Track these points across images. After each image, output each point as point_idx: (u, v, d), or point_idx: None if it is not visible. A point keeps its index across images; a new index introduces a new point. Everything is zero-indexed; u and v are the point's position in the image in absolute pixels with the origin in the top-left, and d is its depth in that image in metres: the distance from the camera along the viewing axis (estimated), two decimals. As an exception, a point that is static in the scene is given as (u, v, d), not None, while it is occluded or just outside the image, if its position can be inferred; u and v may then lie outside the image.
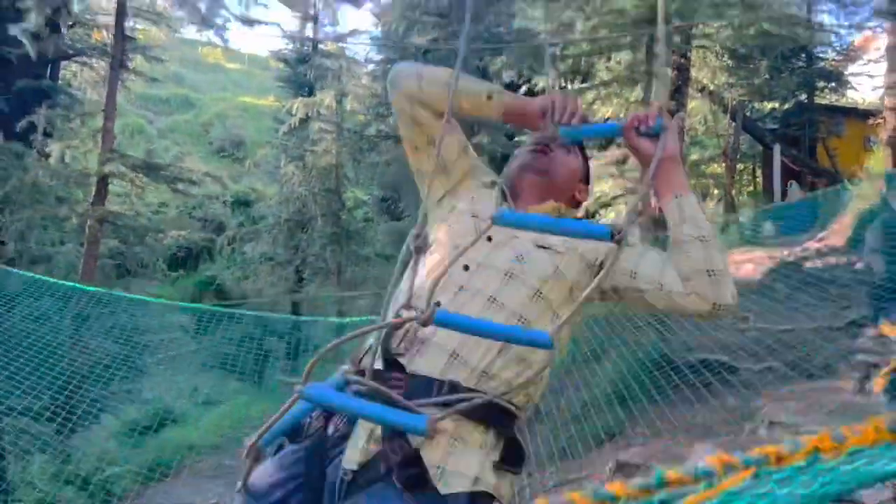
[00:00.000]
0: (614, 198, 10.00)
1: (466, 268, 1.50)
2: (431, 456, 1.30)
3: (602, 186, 9.83)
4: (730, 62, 11.28)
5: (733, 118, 13.67)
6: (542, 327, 1.43)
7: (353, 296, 13.41)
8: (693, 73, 10.17)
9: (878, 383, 4.61)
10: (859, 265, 7.24)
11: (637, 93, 8.69)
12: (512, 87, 11.58)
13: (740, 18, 8.21)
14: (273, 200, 15.40)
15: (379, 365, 1.38)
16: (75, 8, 10.03)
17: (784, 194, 15.84)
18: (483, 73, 12.20)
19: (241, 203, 20.80)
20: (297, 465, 1.39)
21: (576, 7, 8.06)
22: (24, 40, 6.84)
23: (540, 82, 10.19)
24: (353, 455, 1.32)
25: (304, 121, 14.72)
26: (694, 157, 15.72)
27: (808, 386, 5.21)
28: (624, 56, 9.08)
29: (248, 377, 9.48)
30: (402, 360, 1.38)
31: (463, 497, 1.30)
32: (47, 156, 7.52)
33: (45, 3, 7.37)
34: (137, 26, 10.60)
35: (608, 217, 10.30)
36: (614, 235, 1.19)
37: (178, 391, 9.19)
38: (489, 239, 1.54)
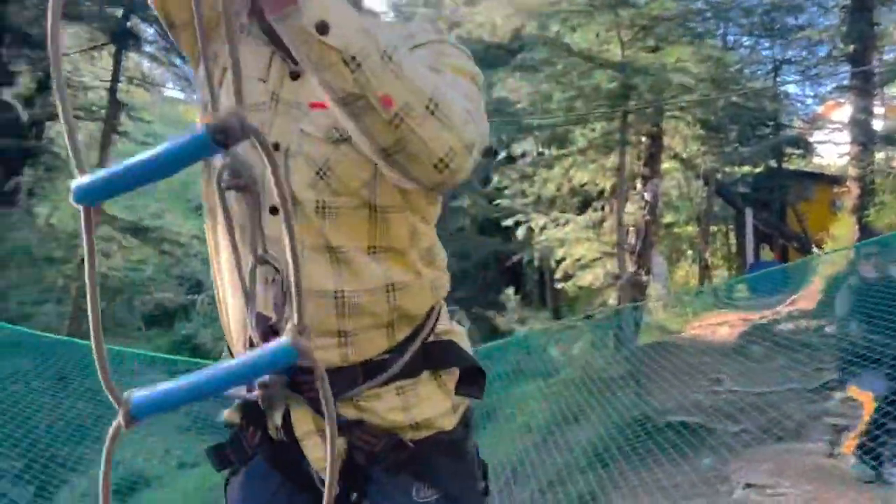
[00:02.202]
0: (592, 260, 10.22)
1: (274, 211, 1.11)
2: (400, 422, 1.22)
3: (579, 249, 10.05)
4: (701, 131, 11.73)
5: (706, 183, 14.10)
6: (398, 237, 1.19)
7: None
8: (666, 140, 10.56)
9: (846, 446, 4.76)
10: (829, 329, 7.45)
11: (612, 160, 9.02)
12: (491, 153, 11.90)
13: (710, 94, 8.61)
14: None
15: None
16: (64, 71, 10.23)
17: (757, 257, 16.24)
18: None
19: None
20: (270, 480, 1.28)
21: (554, 80, 8.40)
22: (16, 104, 6.99)
23: (519, 149, 10.52)
24: (318, 456, 1.20)
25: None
26: (668, 219, 16.11)
27: (782, 448, 5.33)
28: (600, 125, 9.43)
29: (224, 439, 9.36)
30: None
31: (446, 434, 1.25)
32: (33, 217, 7.65)
33: (37, 67, 7.55)
34: (125, 89, 10.88)
35: (585, 278, 10.48)
36: (217, 136, 0.42)
37: (150, 452, 9.03)
38: (276, 147, 1.13)
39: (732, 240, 18.72)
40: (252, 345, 1.16)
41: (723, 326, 9.10)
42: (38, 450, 5.66)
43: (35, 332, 6.25)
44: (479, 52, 14.04)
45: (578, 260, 10.25)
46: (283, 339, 0.43)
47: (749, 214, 15.66)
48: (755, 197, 15.48)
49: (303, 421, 1.21)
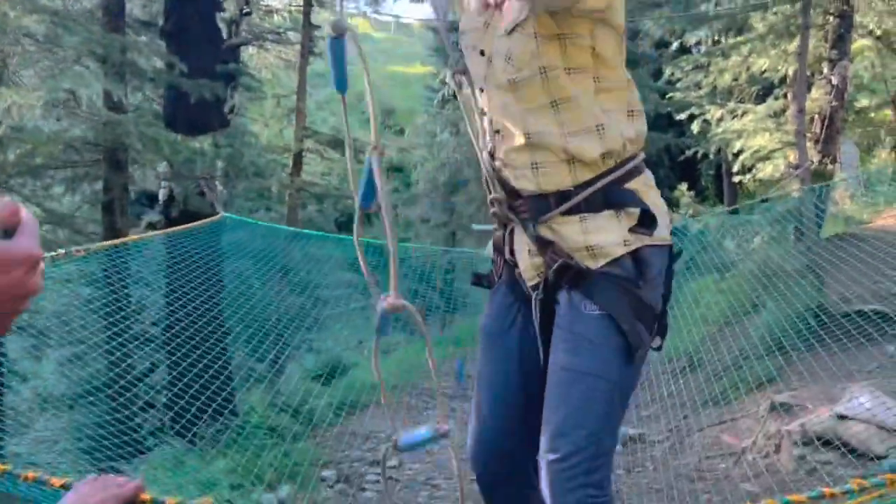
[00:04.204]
0: (773, 151, 9.88)
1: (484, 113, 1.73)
2: (579, 244, 1.61)
3: (758, 140, 9.73)
4: (900, 3, 10.62)
5: (905, 61, 12.82)
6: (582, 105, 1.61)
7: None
8: (857, 18, 9.75)
9: None
10: None
11: (795, 44, 8.54)
12: (663, 44, 11.56)
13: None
14: (430, 165, 16.14)
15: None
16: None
17: (965, 140, 14.65)
18: (634, 33, 12.23)
19: (395, 169, 21.83)
20: (507, 297, 1.79)
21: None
22: (223, 28, 7.72)
23: (693, 39, 10.17)
24: (525, 266, 1.68)
25: (459, 88, 15.26)
26: (861, 103, 14.90)
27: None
28: (781, 7, 8.90)
29: (412, 329, 10.28)
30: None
31: (619, 261, 1.60)
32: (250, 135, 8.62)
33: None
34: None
35: (765, 171, 10.17)
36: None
37: (346, 343, 10.12)
38: (482, 53, 1.68)
39: (937, 123, 16.88)
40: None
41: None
42: (272, 338, 6.64)
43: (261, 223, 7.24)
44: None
45: (757, 151, 9.92)
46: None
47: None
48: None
49: (518, 239, 1.70)
